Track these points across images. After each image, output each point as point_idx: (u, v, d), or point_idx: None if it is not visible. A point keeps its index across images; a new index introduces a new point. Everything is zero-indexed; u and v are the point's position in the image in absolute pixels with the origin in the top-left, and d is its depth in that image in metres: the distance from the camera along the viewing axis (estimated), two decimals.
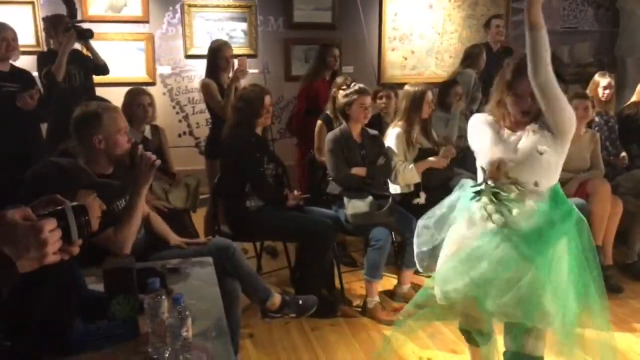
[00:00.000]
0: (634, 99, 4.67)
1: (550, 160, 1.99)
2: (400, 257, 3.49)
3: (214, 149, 3.86)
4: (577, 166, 3.85)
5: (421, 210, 3.51)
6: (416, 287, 3.53)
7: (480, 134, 2.10)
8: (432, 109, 3.71)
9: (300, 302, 2.84)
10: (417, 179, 3.57)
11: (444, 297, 2.09)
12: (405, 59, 5.94)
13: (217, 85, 4.02)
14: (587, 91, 4.38)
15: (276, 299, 2.72)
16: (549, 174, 2.02)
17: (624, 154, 4.39)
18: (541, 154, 1.96)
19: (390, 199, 3.33)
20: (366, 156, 3.42)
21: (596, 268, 1.96)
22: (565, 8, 6.66)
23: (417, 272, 3.62)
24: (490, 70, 4.85)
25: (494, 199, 1.98)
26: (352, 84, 3.57)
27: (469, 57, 4.93)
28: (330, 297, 3.27)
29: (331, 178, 3.43)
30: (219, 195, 3.36)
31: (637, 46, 6.60)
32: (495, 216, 1.99)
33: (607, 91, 4.44)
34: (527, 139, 2.00)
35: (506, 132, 2.06)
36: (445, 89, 4.30)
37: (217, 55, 4.07)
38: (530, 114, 2.01)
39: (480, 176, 2.09)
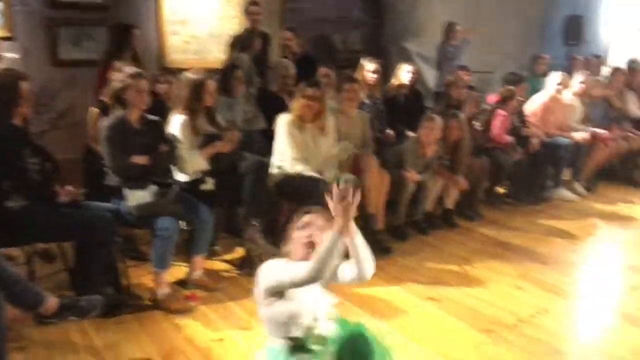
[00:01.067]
0: (394, 82, 5.24)
1: None
2: (190, 244, 3.43)
3: None
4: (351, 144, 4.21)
5: (209, 196, 3.56)
6: (208, 272, 3.53)
7: None
8: (214, 97, 3.69)
9: (83, 303, 2.65)
10: (204, 165, 3.55)
11: None
12: (187, 43, 5.81)
13: None
14: (357, 75, 4.79)
15: (51, 303, 2.50)
16: None
17: (390, 131, 4.91)
18: None
19: (175, 186, 3.25)
20: (147, 143, 3.27)
21: None
22: None
23: (208, 257, 3.63)
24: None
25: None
26: (127, 68, 3.39)
27: (242, 42, 5.03)
28: (116, 294, 3.09)
29: (109, 169, 3.22)
30: None
31: (398, 36, 7.38)
32: None
33: (374, 75, 4.89)
34: None
35: None
36: (226, 75, 4.32)
37: None
38: None
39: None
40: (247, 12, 5.37)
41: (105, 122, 3.21)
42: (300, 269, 1.78)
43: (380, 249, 3.93)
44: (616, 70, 6.25)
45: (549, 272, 3.69)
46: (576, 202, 5.33)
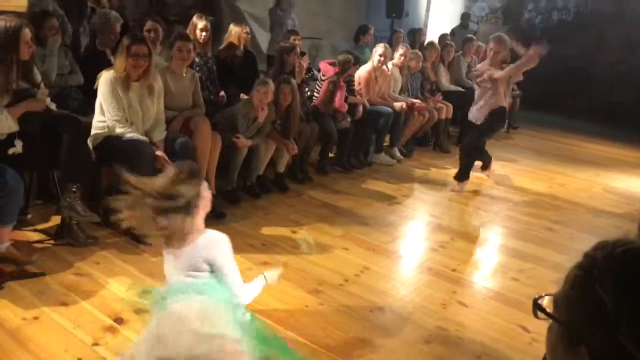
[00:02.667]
0: (227, 42, 5.11)
1: None
2: None
3: None
4: (181, 105, 4.03)
5: (18, 158, 3.15)
6: (19, 243, 3.17)
7: None
8: (32, 48, 3.22)
9: None
10: (14, 127, 3.11)
11: None
12: None
13: None
14: (188, 32, 4.57)
15: None
16: None
17: (222, 93, 4.80)
18: None
19: None
20: None
21: None
22: None
23: (18, 227, 3.26)
24: None
25: None
26: None
27: None
28: None
29: None
30: None
31: None
32: None
33: (204, 33, 4.72)
34: None
35: None
36: (38, 22, 3.82)
37: None
38: None
39: None
40: None
41: None
42: (237, 281, 2.12)
43: (213, 214, 3.86)
44: (430, 44, 6.81)
45: (370, 232, 3.97)
46: (394, 167, 5.79)
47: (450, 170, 5.84)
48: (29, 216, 3.58)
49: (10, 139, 3.14)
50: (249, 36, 5.28)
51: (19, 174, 3.02)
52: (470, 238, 4.07)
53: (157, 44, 4.49)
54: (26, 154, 3.19)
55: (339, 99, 5.17)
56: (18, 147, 3.17)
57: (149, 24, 4.49)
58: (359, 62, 5.42)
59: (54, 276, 2.91)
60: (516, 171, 6.05)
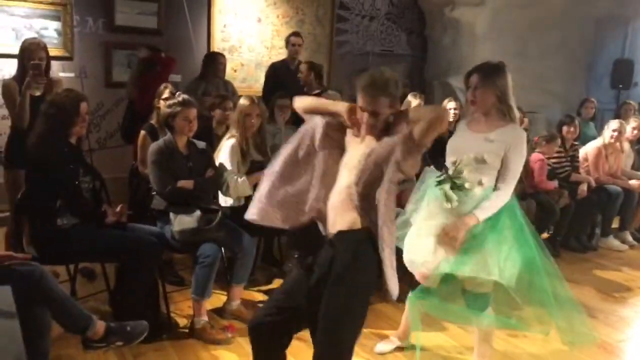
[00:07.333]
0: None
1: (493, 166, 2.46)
2: (229, 272, 3.39)
3: (16, 158, 3.40)
4: None
5: (253, 224, 3.51)
6: (246, 302, 3.47)
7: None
8: (257, 122, 3.69)
9: (129, 328, 2.58)
10: (249, 191, 3.51)
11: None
12: (235, 71, 5.90)
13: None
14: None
15: (99, 327, 2.44)
16: (491, 177, 2.47)
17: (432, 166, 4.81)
18: (485, 162, 2.44)
19: (220, 213, 3.23)
20: (194, 168, 3.28)
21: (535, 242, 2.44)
22: (383, 32, 7.20)
23: (247, 287, 3.57)
24: (287, 85, 5.03)
25: (452, 186, 2.41)
26: (177, 94, 3.42)
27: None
28: (155, 319, 3.05)
29: (155, 192, 3.23)
30: (24, 212, 2.96)
31: (442, 70, 7.35)
32: (453, 200, 2.40)
33: None
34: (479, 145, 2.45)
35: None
36: (272, 102, 4.35)
37: (26, 55, 3.60)
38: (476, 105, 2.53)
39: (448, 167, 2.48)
40: (288, 42, 5.44)
41: (153, 147, 3.23)
42: None
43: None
44: None
45: (599, 327, 3.50)
46: (626, 253, 5.13)
47: None
48: (255, 277, 3.92)
49: (247, 205, 3.53)
50: (460, 112, 5.27)
51: (252, 238, 3.36)
52: None
53: None
54: None
55: (538, 176, 4.79)
56: None
57: None
58: (573, 121, 5.10)
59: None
60: None
